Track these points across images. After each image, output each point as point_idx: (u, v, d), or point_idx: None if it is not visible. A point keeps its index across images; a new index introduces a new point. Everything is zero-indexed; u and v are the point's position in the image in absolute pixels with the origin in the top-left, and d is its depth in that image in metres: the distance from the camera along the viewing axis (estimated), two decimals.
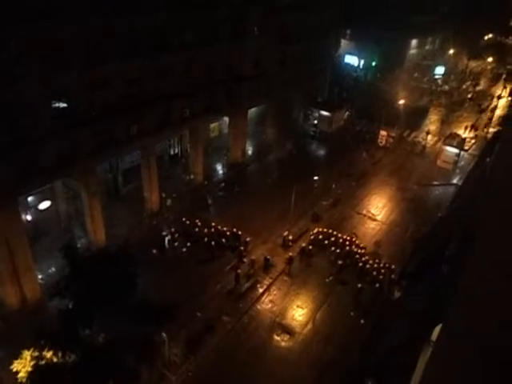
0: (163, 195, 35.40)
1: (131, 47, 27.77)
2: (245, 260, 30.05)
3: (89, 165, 28.20)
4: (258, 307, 27.25)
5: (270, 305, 27.46)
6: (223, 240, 31.27)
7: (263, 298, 27.93)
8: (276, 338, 25.27)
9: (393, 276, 29.07)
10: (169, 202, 35.52)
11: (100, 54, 26.00)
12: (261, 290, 28.38)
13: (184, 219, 32.65)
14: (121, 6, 25.78)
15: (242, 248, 30.67)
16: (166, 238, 30.83)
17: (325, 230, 33.38)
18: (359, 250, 31.60)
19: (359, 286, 28.47)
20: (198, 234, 31.47)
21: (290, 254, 30.43)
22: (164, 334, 22.45)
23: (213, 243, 30.47)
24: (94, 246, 28.95)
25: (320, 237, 32.68)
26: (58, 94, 25.20)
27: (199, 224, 32.21)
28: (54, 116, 25.11)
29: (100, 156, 29.16)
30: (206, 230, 31.56)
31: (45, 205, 30.73)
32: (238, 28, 35.93)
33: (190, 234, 31.56)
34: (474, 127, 54.24)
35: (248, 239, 31.12)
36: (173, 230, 31.74)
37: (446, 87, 69.24)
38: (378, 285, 28.43)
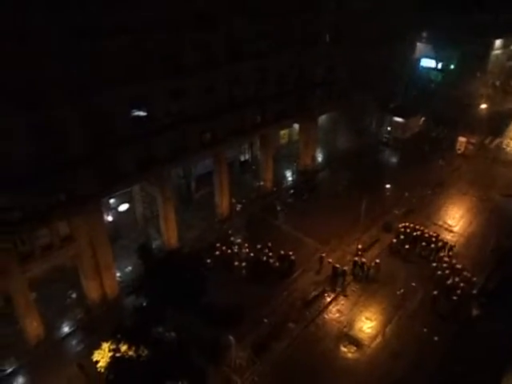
0: (233, 201, 36.22)
1: (205, 58, 28.85)
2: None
3: (164, 170, 29.65)
4: (325, 316, 26.84)
5: (337, 314, 26.95)
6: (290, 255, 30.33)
7: (330, 307, 27.48)
8: (343, 348, 24.70)
9: (474, 291, 27.33)
10: (238, 207, 36.27)
11: (177, 66, 27.31)
12: (328, 299, 27.95)
13: (246, 246, 31.41)
14: (196, 21, 27.03)
15: (323, 254, 30.52)
16: (235, 248, 31.34)
17: (411, 224, 33.47)
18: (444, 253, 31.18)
19: (435, 293, 27.15)
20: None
21: (356, 258, 29.98)
22: (231, 337, 22.92)
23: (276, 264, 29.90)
24: (167, 248, 30.34)
25: (407, 231, 32.90)
26: (137, 103, 26.80)
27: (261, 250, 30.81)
28: (133, 124, 26.77)
29: (175, 162, 30.52)
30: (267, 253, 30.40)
31: (124, 207, 32.76)
32: (309, 35, 35.97)
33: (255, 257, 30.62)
34: None
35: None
36: (239, 241, 31.92)
37: None
38: (455, 297, 26.75)
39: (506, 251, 30.16)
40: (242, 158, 42.26)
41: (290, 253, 30.14)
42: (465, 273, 28.71)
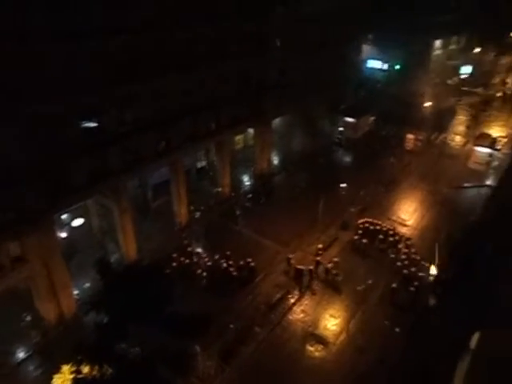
0: (192, 208, 35.87)
1: (157, 64, 28.46)
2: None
3: (120, 182, 28.93)
4: (290, 317, 27.06)
5: (301, 315, 27.23)
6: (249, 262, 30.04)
7: (295, 307, 27.74)
8: (309, 348, 24.98)
9: (430, 278, 28.44)
10: (197, 214, 35.97)
11: (127, 74, 26.76)
12: (292, 300, 28.19)
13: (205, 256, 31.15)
14: (147, 24, 26.64)
15: (290, 256, 30.55)
16: (195, 257, 31.00)
17: (369, 219, 34.55)
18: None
19: (394, 285, 28.02)
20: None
21: (318, 258, 30.38)
22: (197, 347, 22.64)
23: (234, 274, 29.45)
24: (126, 261, 29.58)
25: (366, 225, 33.93)
26: (87, 113, 26.03)
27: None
28: (84, 135, 25.94)
29: (130, 173, 29.85)
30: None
31: (78, 222, 31.67)
32: (260, 40, 36.36)
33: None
34: None
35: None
36: (199, 249, 31.86)
37: (474, 87, 67.60)
38: (413, 288, 27.74)
39: (456, 243, 31.56)
40: (199, 165, 41.99)
41: (249, 259, 29.88)
42: (422, 262, 29.99)
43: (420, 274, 28.83)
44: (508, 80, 71.93)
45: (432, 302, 27.46)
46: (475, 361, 6.42)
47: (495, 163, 44.57)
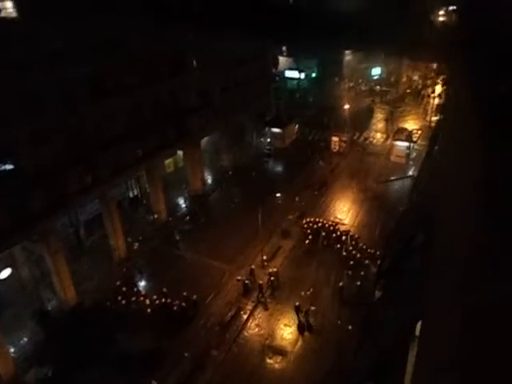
0: (129, 240, 34.63)
1: (69, 96, 27.39)
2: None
3: (46, 224, 27.24)
4: (246, 334, 26.83)
5: (256, 329, 27.11)
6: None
7: (249, 323, 27.55)
8: (269, 361, 24.90)
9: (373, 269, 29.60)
10: (136, 245, 34.76)
11: (38, 108, 25.47)
12: (245, 316, 27.99)
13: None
14: (55, 57, 25.59)
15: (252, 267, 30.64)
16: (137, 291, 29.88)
17: (312, 219, 35.93)
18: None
19: (341, 284, 28.79)
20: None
21: (270, 269, 30.64)
22: (154, 382, 21.75)
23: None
24: (66, 306, 27.79)
25: (310, 225, 35.27)
26: None
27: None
28: None
29: (56, 213, 28.23)
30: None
31: (6, 273, 29.32)
32: (177, 64, 36.30)
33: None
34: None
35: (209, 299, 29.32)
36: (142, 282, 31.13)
37: (385, 86, 72.06)
38: (359, 283, 28.77)
39: (391, 232, 33.12)
40: (131, 194, 40.76)
41: (185, 294, 28.26)
42: (369, 250, 31.66)
43: (366, 262, 30.56)
44: (414, 77, 77.54)
45: (378, 294, 28.45)
46: (420, 347, 6.73)
47: (414, 155, 47.62)
